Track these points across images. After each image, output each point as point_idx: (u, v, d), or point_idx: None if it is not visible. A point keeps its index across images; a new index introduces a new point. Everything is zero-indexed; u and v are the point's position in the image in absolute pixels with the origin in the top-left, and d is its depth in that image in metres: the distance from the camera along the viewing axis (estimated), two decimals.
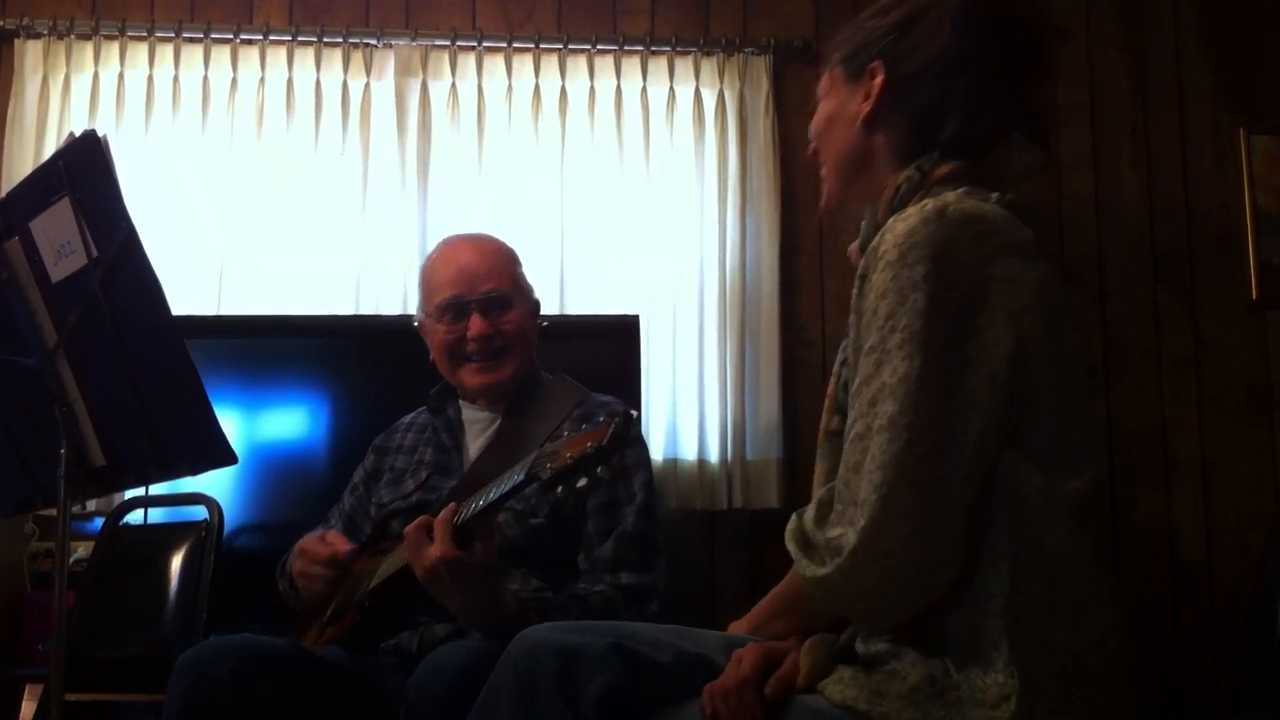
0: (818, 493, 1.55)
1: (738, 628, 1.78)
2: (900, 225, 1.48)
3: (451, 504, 2.18)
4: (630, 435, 2.05)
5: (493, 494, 2.11)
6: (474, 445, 2.57)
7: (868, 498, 1.41)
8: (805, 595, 1.52)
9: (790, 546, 1.50)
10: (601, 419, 1.99)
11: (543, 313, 2.76)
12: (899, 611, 1.48)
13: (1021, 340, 1.46)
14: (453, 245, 2.69)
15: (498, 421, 2.57)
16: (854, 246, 1.72)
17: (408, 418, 2.75)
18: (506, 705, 1.59)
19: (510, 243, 2.79)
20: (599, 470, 1.94)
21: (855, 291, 1.54)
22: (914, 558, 1.43)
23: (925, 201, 1.51)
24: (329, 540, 2.48)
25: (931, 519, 1.42)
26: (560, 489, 1.97)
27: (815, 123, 1.82)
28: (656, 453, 3.83)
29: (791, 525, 1.53)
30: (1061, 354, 1.50)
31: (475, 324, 2.54)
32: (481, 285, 2.57)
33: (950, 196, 1.52)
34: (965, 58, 1.63)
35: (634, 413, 2.10)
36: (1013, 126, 1.67)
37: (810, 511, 1.51)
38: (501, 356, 2.55)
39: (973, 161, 1.63)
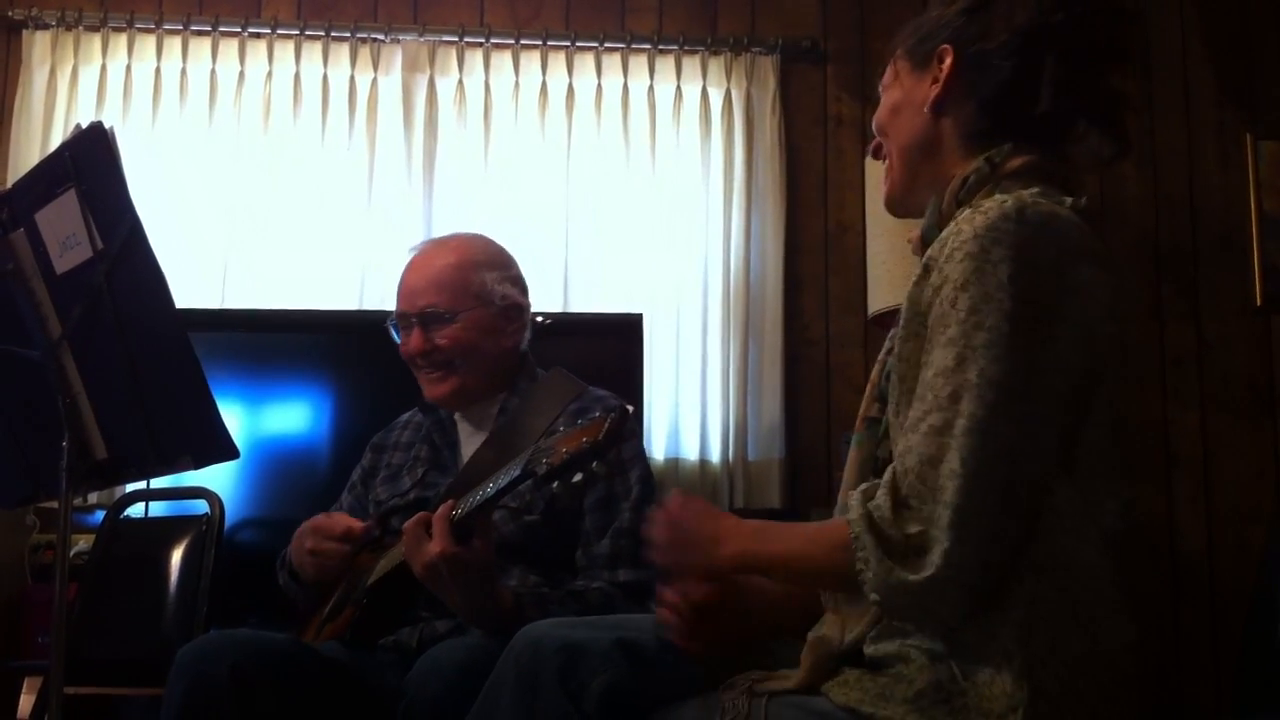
0: (853, 481, 1.53)
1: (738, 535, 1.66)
2: (980, 219, 1.46)
3: (449, 500, 2.17)
4: (626, 430, 2.04)
5: (489, 489, 2.11)
6: (469, 441, 2.57)
7: (955, 499, 1.38)
8: (846, 578, 1.45)
9: (866, 539, 1.42)
10: (597, 414, 1.99)
11: (547, 310, 2.74)
12: (954, 620, 1.45)
13: (1090, 356, 1.45)
14: (412, 256, 2.68)
15: (494, 416, 2.56)
16: (915, 235, 1.67)
17: (405, 415, 2.75)
18: (509, 701, 1.59)
19: (514, 239, 2.77)
20: (595, 465, 1.94)
21: (914, 278, 1.51)
22: (989, 568, 1.41)
23: (1004, 198, 1.49)
24: (337, 516, 2.48)
25: (1005, 526, 1.41)
26: (556, 484, 1.97)
27: (879, 115, 1.77)
28: (658, 452, 3.84)
29: (860, 513, 1.44)
30: (1109, 367, 1.49)
31: (412, 339, 2.55)
32: (418, 301, 2.56)
33: (1026, 196, 1.50)
34: (1048, 34, 1.60)
35: (629, 407, 2.09)
36: (1091, 112, 1.64)
37: (885, 503, 1.43)
38: (447, 370, 2.54)
39: (1044, 154, 1.61)
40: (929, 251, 1.52)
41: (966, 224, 1.47)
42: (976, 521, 1.38)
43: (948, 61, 1.66)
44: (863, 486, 1.50)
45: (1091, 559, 1.44)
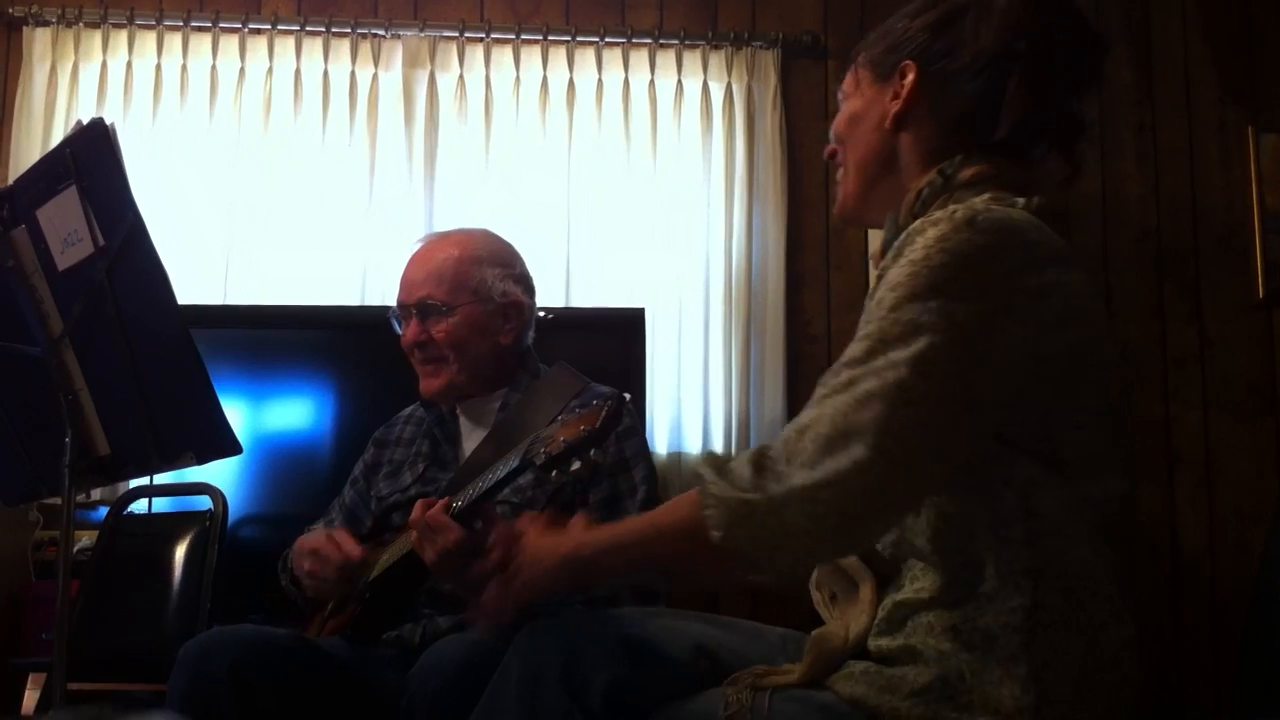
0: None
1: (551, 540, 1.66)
2: (931, 230, 1.46)
3: (445, 498, 2.17)
4: (623, 418, 2.04)
5: (488, 480, 2.11)
6: (469, 437, 2.57)
7: (833, 462, 1.38)
8: (693, 532, 1.45)
9: (715, 483, 1.44)
10: (594, 403, 1.99)
11: (548, 305, 2.74)
12: (797, 562, 1.46)
13: (1040, 355, 1.44)
14: (416, 248, 2.68)
15: (495, 411, 2.56)
16: (876, 250, 1.67)
17: (406, 410, 2.75)
18: (512, 699, 1.59)
19: (516, 235, 2.77)
20: (592, 453, 1.94)
21: (872, 289, 1.52)
22: (844, 517, 1.40)
23: (954, 208, 1.48)
24: (338, 540, 2.47)
25: (886, 493, 1.40)
26: (555, 473, 1.97)
27: (838, 123, 1.77)
28: (661, 447, 3.84)
29: (708, 464, 1.48)
30: (1088, 368, 1.48)
31: (410, 331, 2.55)
32: (416, 292, 2.56)
33: (978, 204, 1.50)
34: (1013, 59, 1.60)
35: (626, 395, 2.09)
36: (1050, 134, 1.64)
37: (742, 459, 1.46)
38: (439, 364, 2.54)
39: (998, 166, 1.60)
40: (884, 262, 1.52)
41: (919, 235, 1.47)
42: (827, 481, 1.37)
43: (910, 78, 1.66)
44: (705, 453, 1.54)
45: (1085, 558, 1.44)
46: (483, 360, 2.55)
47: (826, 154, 1.82)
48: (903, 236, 1.50)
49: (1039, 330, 1.44)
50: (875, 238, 3.96)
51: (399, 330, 2.61)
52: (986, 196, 1.54)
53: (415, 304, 2.55)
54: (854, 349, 1.45)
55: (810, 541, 1.42)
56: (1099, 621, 1.43)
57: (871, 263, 1.72)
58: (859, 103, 1.74)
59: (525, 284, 2.64)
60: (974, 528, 1.45)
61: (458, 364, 2.53)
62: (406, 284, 2.60)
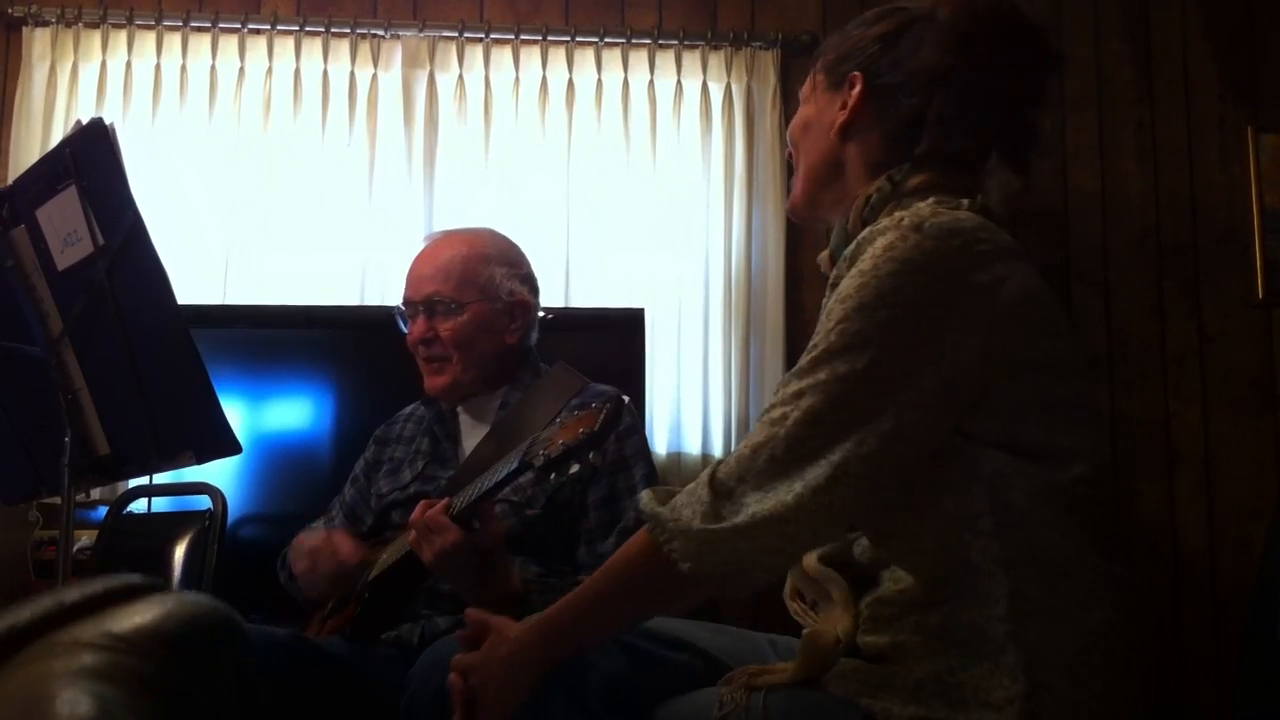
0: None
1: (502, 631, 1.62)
2: (880, 240, 1.48)
3: (446, 499, 2.17)
4: (622, 419, 2.04)
5: (488, 482, 2.11)
6: (469, 435, 2.57)
7: (788, 484, 1.41)
8: (655, 571, 1.47)
9: (662, 514, 1.46)
10: (593, 405, 1.99)
11: (548, 305, 2.74)
12: (768, 580, 1.48)
13: (993, 350, 1.45)
14: (423, 246, 2.68)
15: (495, 411, 2.57)
16: (824, 255, 1.72)
17: (407, 408, 2.75)
18: None
19: (515, 235, 2.77)
20: (591, 455, 1.94)
21: (825, 299, 1.54)
22: (816, 535, 1.45)
23: (901, 215, 1.50)
24: (334, 541, 2.47)
25: (847, 507, 1.43)
26: (554, 475, 1.97)
27: (793, 126, 1.81)
28: (661, 446, 3.84)
29: (649, 501, 1.50)
30: (1047, 353, 1.49)
31: (416, 327, 2.55)
32: (423, 288, 2.56)
33: (925, 209, 1.51)
34: (949, 73, 1.61)
35: (625, 397, 2.09)
36: (992, 148, 1.65)
37: (694, 486, 1.48)
38: (443, 361, 2.54)
39: (945, 174, 1.62)
40: (835, 270, 1.54)
41: (868, 244, 1.49)
42: (783, 498, 1.40)
43: (857, 89, 1.69)
44: (646, 490, 1.54)
45: (1056, 542, 1.45)
46: (488, 358, 2.55)
47: (787, 155, 1.85)
48: (854, 245, 1.52)
49: (990, 326, 1.46)
50: None
51: (404, 328, 2.60)
52: (931, 201, 1.56)
53: (422, 301, 2.55)
54: (803, 360, 1.48)
55: (784, 560, 1.48)
56: (1079, 604, 1.44)
57: (820, 265, 1.74)
58: (812, 109, 1.77)
59: (531, 284, 2.64)
60: (946, 524, 1.46)
61: (463, 362, 2.53)
62: (414, 281, 2.59)
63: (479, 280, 2.56)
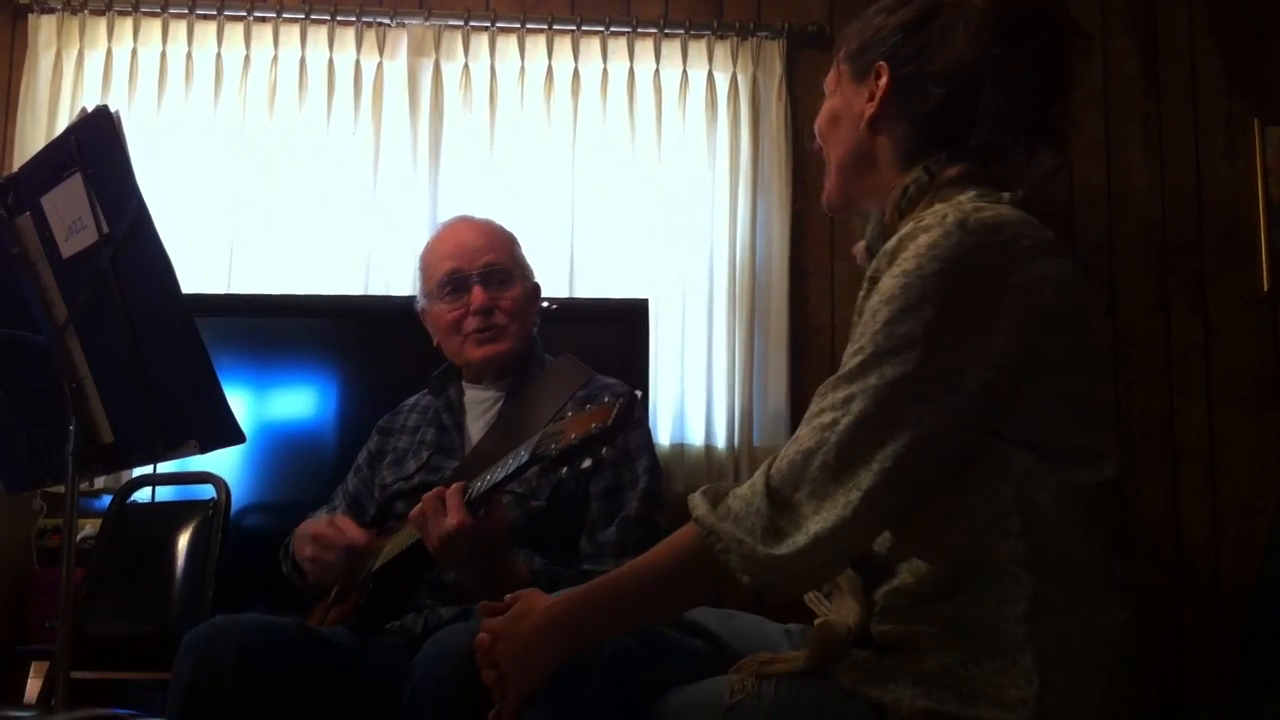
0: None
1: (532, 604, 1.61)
2: (922, 237, 1.46)
3: (461, 481, 2.17)
4: (634, 415, 2.04)
5: (499, 473, 2.11)
6: (475, 425, 2.57)
7: (844, 494, 1.41)
8: (701, 576, 1.49)
9: (722, 527, 1.46)
10: (605, 399, 1.99)
11: (552, 296, 2.76)
12: (817, 586, 1.53)
13: (1032, 349, 1.45)
14: (450, 225, 2.70)
15: (500, 402, 2.57)
16: (860, 246, 1.70)
17: (411, 399, 2.75)
18: None
19: (520, 225, 2.79)
20: (603, 451, 1.93)
21: (862, 293, 1.53)
22: (866, 542, 1.47)
23: (944, 211, 1.49)
24: (339, 525, 2.47)
25: (897, 513, 1.45)
26: (565, 469, 1.97)
27: (820, 120, 1.79)
28: (664, 438, 3.84)
29: (706, 508, 1.49)
30: (1080, 354, 1.49)
31: (477, 295, 2.54)
32: (480, 257, 2.57)
33: (967, 205, 1.50)
34: (987, 65, 1.59)
35: (637, 393, 2.09)
36: (1029, 135, 1.64)
37: (747, 492, 1.48)
38: (498, 331, 2.55)
39: (981, 163, 1.60)
40: (874, 264, 1.53)
41: (910, 241, 1.48)
42: (842, 512, 1.41)
43: (883, 80, 1.66)
44: (703, 488, 1.53)
45: (1075, 543, 1.45)
46: (526, 336, 2.59)
47: (814, 147, 1.83)
48: (895, 240, 1.51)
49: (1031, 324, 1.45)
50: None
51: (443, 308, 2.59)
52: (972, 194, 1.55)
53: (480, 269, 2.56)
54: (850, 363, 1.47)
55: (833, 571, 1.50)
56: (1093, 606, 1.44)
57: (856, 256, 1.72)
58: (838, 101, 1.75)
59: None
60: (971, 522, 1.46)
61: (517, 334, 2.56)
62: (465, 251, 2.60)
63: (519, 258, 2.66)
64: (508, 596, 1.65)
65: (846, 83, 1.73)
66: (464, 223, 2.68)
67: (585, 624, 1.56)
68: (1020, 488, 1.44)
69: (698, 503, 1.51)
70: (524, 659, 1.56)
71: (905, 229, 1.51)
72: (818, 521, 1.41)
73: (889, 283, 1.46)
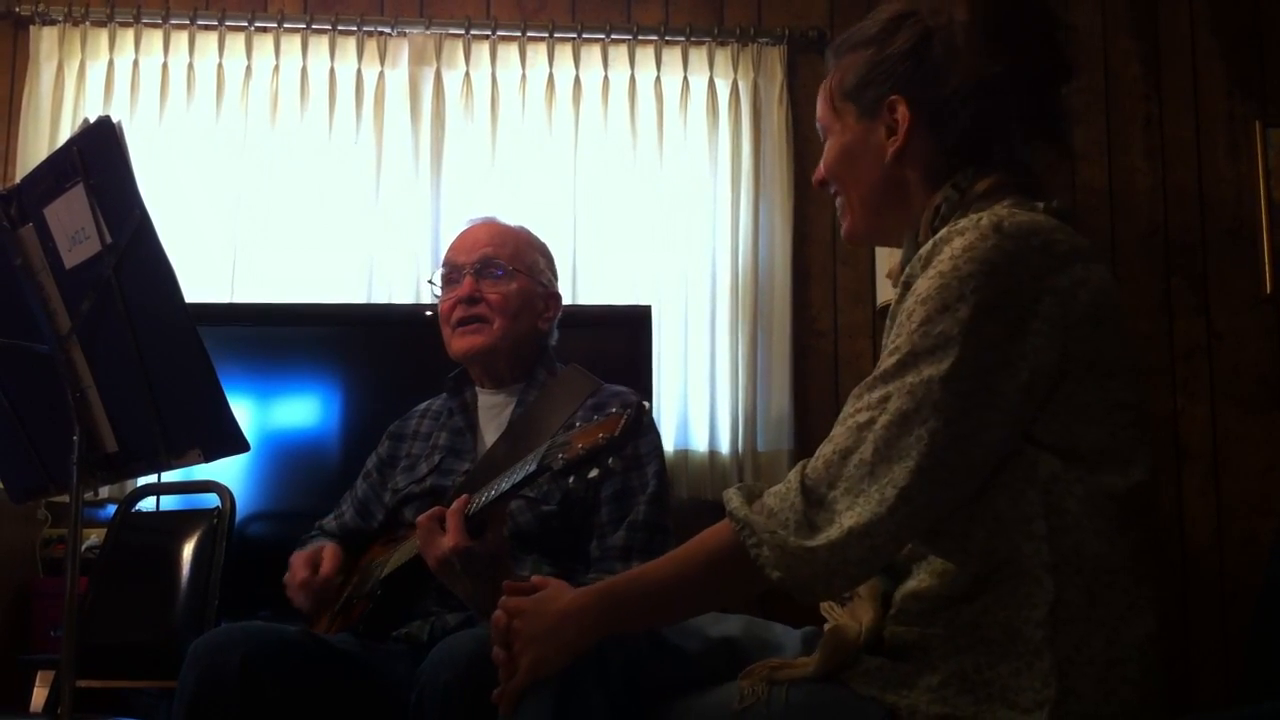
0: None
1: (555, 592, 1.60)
2: (958, 240, 1.46)
3: (464, 495, 2.18)
4: (642, 426, 2.04)
5: (504, 484, 2.11)
6: (488, 430, 2.57)
7: (879, 490, 1.41)
8: (734, 572, 1.49)
9: (755, 520, 1.46)
10: (614, 409, 1.99)
11: None
12: (850, 587, 1.50)
13: (1068, 354, 1.44)
14: (473, 222, 2.71)
15: (511, 408, 2.57)
16: (893, 268, 1.68)
17: (423, 405, 2.75)
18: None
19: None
20: (610, 461, 1.93)
21: (895, 298, 1.52)
22: (900, 542, 1.45)
23: (979, 216, 1.48)
24: (320, 557, 2.49)
25: (931, 512, 1.44)
26: (572, 479, 1.96)
27: (829, 161, 1.74)
28: (668, 443, 3.83)
29: (740, 502, 1.49)
30: (1113, 359, 1.48)
31: (464, 285, 2.55)
32: (478, 250, 2.58)
33: (1002, 210, 1.49)
34: (995, 76, 1.59)
35: (645, 403, 2.09)
36: (1046, 134, 1.65)
37: (783, 489, 1.48)
38: (482, 324, 2.54)
39: (1009, 173, 1.60)
40: (908, 270, 1.52)
41: (946, 245, 1.47)
42: (877, 508, 1.40)
43: (901, 111, 1.63)
44: (737, 485, 1.53)
45: (1103, 551, 1.44)
46: (522, 337, 2.58)
47: (815, 181, 1.80)
48: (930, 245, 1.50)
49: (1068, 329, 1.45)
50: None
51: (437, 296, 2.61)
52: (1007, 203, 1.54)
53: (474, 262, 2.57)
54: (886, 362, 1.46)
55: (868, 570, 1.47)
56: (1118, 614, 1.43)
57: (889, 280, 1.72)
58: (848, 139, 1.71)
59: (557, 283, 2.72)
60: (997, 525, 1.45)
61: (502, 330, 2.55)
62: (465, 246, 2.61)
63: (527, 258, 2.62)
64: (535, 579, 1.64)
65: (852, 120, 1.70)
66: (480, 222, 2.70)
67: (615, 615, 1.55)
68: (1048, 492, 1.44)
69: (732, 497, 1.51)
70: (548, 639, 1.54)
71: (941, 234, 1.50)
72: (852, 516, 1.41)
73: (924, 284, 1.46)
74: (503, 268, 2.56)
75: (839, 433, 1.47)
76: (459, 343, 2.57)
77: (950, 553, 1.49)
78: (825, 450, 1.47)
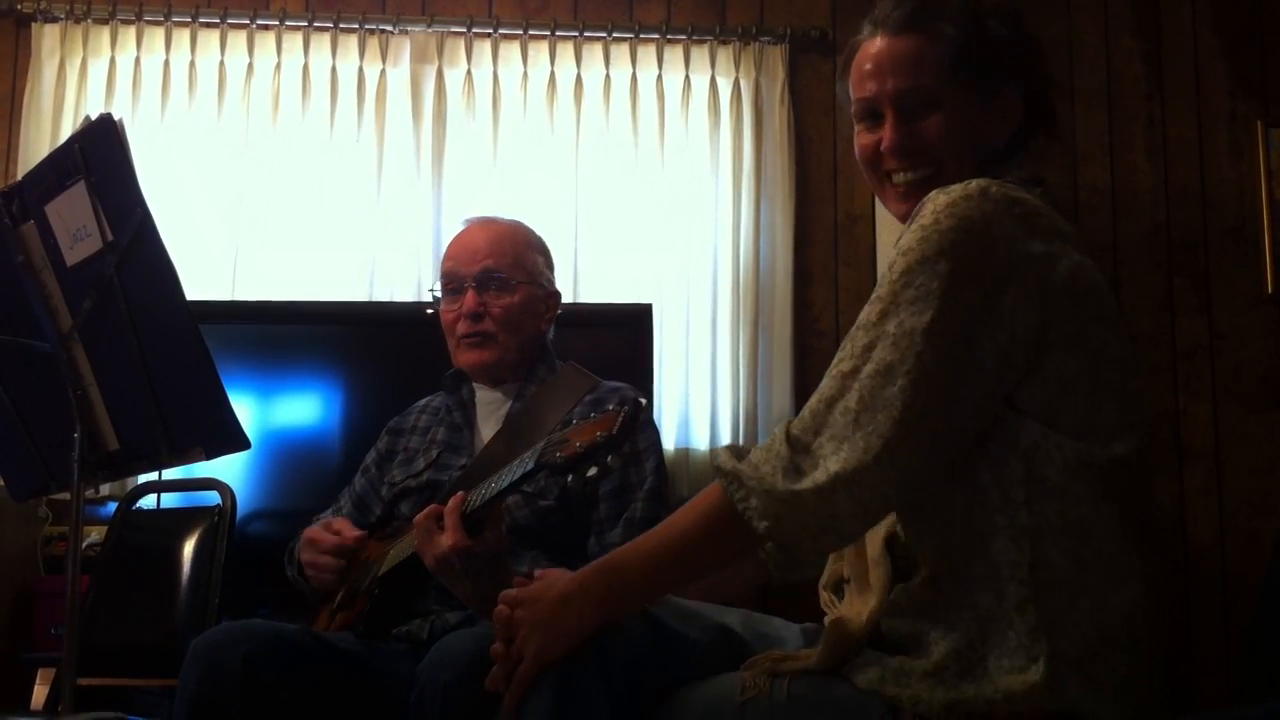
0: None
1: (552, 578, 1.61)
2: (942, 197, 1.48)
3: (459, 493, 2.17)
4: (640, 423, 2.03)
5: (502, 481, 2.10)
6: (485, 426, 2.57)
7: (864, 439, 1.41)
8: (731, 529, 1.47)
9: (741, 470, 1.45)
10: (611, 407, 1.98)
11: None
12: (838, 546, 1.52)
13: (1048, 323, 1.45)
14: (469, 224, 2.70)
15: (509, 405, 2.57)
16: None
17: (422, 401, 2.75)
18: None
19: None
20: (609, 459, 1.93)
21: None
22: (885, 499, 1.45)
23: (968, 180, 1.50)
24: (335, 527, 2.48)
25: (914, 465, 1.43)
26: (570, 477, 1.96)
27: (934, 134, 1.65)
28: (669, 442, 3.84)
29: (726, 457, 1.49)
30: (1100, 341, 1.49)
31: (467, 300, 2.54)
32: (479, 261, 2.56)
33: (991, 180, 1.51)
34: (1028, 63, 1.64)
35: (643, 400, 2.09)
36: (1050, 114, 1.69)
37: (769, 442, 1.48)
38: (487, 338, 2.54)
39: (1021, 169, 1.64)
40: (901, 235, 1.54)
41: (930, 202, 1.49)
42: (886, 453, 1.41)
43: (1017, 100, 1.67)
44: (726, 445, 1.56)
45: (1087, 517, 1.45)
46: (526, 344, 2.58)
47: (889, 149, 1.68)
48: (918, 206, 1.51)
49: (1046, 297, 1.46)
50: (883, 232, 3.97)
51: (438, 303, 2.60)
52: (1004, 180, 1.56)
53: (475, 274, 2.55)
54: (868, 311, 1.48)
55: (856, 524, 1.48)
56: (1105, 581, 1.44)
57: None
58: (958, 116, 1.65)
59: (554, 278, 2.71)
60: (978, 492, 1.46)
61: (508, 343, 2.54)
62: (464, 255, 2.59)
63: (527, 264, 2.60)
64: (537, 572, 1.65)
65: (967, 95, 1.65)
66: (478, 224, 2.68)
67: (613, 590, 1.55)
68: (1029, 460, 1.45)
69: (720, 453, 1.52)
70: (551, 624, 1.53)
71: (931, 193, 1.51)
72: (837, 461, 1.41)
73: (907, 237, 1.48)
74: (505, 279, 2.55)
75: (825, 383, 1.48)
76: (465, 356, 2.56)
77: (931, 525, 1.49)
78: (811, 401, 1.49)
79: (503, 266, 2.56)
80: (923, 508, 1.50)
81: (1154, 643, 1.46)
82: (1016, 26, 1.67)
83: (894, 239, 1.67)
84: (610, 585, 1.55)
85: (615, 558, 1.59)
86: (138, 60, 3.93)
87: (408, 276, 3.89)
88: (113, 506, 3.35)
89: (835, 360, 1.49)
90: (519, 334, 2.55)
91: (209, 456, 2.09)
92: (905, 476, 1.44)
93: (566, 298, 3.75)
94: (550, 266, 2.68)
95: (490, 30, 4.04)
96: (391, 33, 4.03)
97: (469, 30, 4.03)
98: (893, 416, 1.41)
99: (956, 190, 1.47)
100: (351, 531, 2.47)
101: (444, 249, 2.73)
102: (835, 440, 1.43)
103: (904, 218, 1.64)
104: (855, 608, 1.57)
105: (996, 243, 1.45)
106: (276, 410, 3.54)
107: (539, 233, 2.73)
